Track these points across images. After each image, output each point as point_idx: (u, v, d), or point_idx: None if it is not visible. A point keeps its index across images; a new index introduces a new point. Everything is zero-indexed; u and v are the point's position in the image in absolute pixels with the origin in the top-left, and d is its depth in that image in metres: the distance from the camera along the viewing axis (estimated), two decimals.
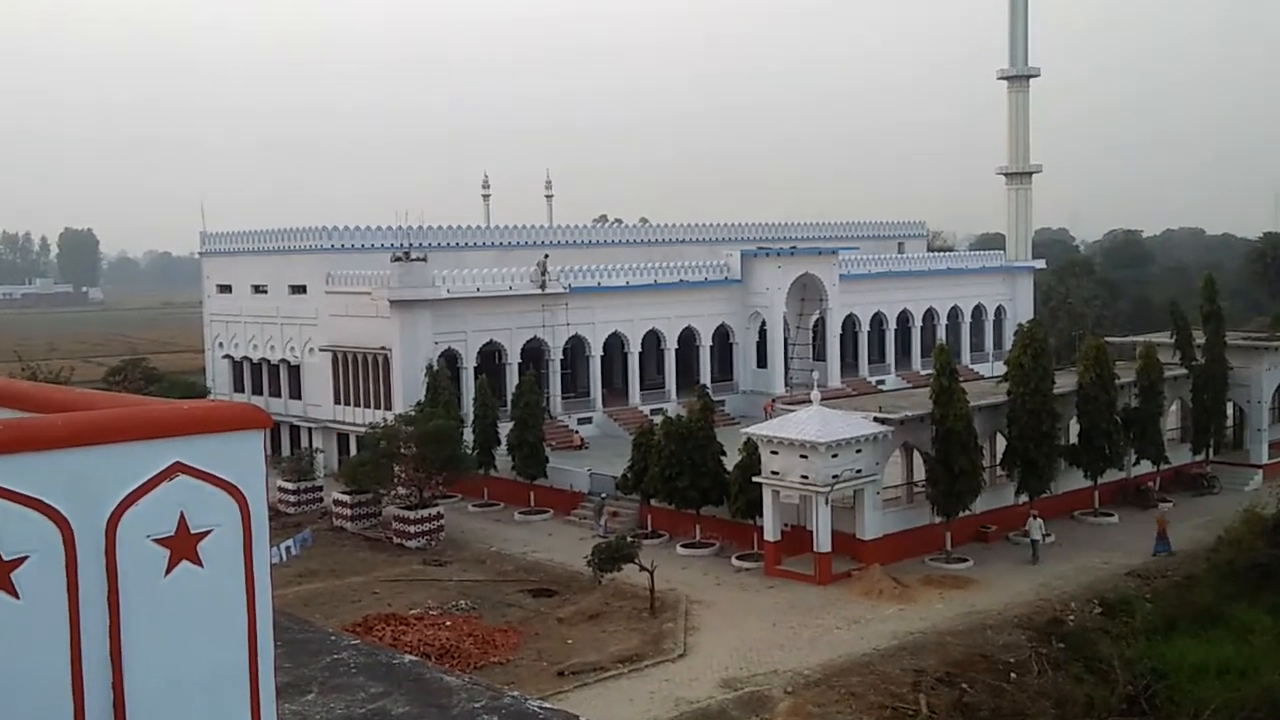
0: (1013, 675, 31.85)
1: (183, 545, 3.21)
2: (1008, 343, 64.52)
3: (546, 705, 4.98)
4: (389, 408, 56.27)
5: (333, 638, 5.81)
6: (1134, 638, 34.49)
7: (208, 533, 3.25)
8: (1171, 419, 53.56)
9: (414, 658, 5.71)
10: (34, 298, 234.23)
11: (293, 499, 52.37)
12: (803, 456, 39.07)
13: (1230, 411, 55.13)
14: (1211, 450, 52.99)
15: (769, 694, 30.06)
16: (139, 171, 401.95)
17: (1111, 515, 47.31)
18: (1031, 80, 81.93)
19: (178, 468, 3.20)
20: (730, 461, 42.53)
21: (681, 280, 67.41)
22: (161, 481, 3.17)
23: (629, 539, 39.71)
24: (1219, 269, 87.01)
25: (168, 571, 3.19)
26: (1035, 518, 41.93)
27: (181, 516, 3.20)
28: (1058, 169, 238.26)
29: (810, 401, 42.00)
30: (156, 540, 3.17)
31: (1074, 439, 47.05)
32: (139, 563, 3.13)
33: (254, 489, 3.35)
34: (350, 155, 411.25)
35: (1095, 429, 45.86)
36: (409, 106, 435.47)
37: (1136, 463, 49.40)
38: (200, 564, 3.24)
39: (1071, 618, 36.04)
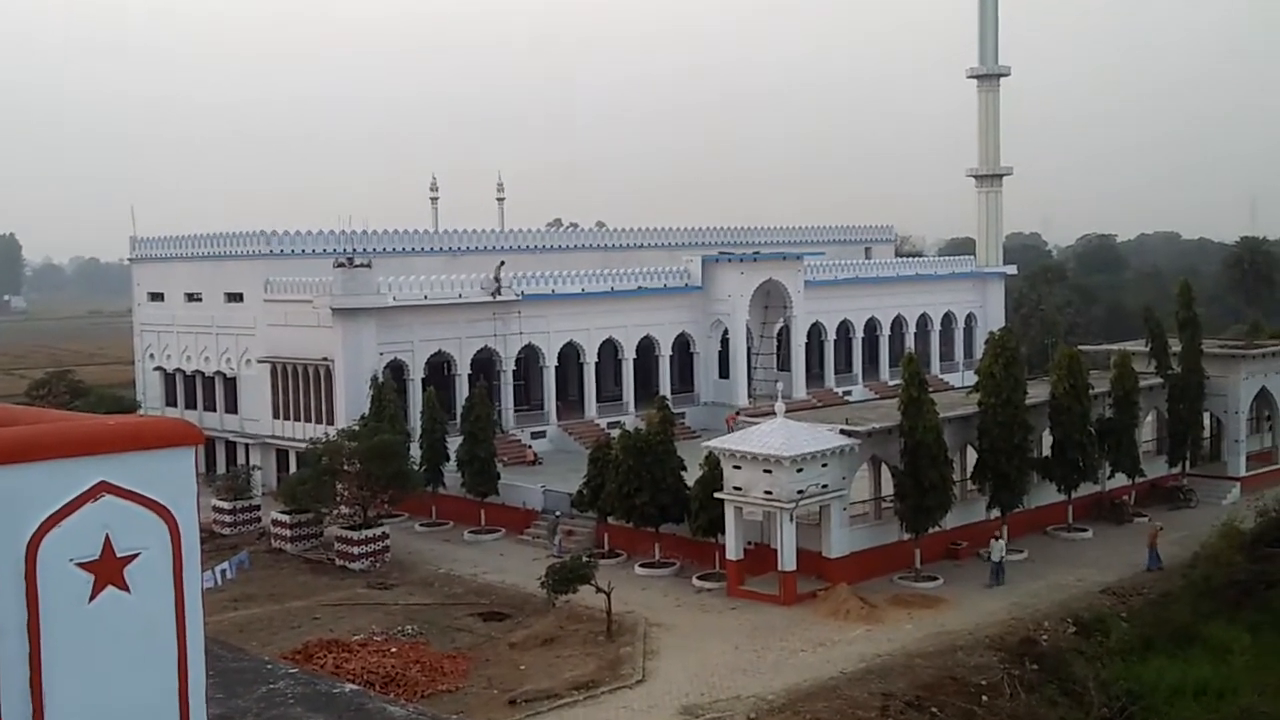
0: (984, 698, 32.05)
1: (108, 569, 3.18)
2: (978, 352, 65.10)
3: None
4: (331, 422, 55.90)
5: (269, 666, 5.76)
6: (1109, 658, 34.87)
7: (135, 556, 3.23)
8: (1147, 430, 54.20)
9: (356, 687, 5.67)
10: None
11: (228, 519, 51.89)
12: (766, 471, 39.19)
13: (1207, 422, 55.85)
14: (1188, 462, 53.66)
15: None
16: (65, 172, 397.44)
17: (1086, 530, 47.78)
18: (1002, 80, 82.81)
19: (103, 487, 3.17)
20: (691, 477, 42.59)
21: (640, 287, 67.50)
22: (85, 502, 3.14)
23: (585, 559, 39.64)
24: (1195, 274, 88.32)
25: (92, 598, 3.16)
26: (998, 539, 42.04)
27: (107, 539, 3.17)
28: (1029, 171, 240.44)
29: (774, 413, 42.17)
30: (80, 564, 3.14)
31: (1047, 451, 47.50)
32: (61, 588, 3.10)
33: (185, 509, 3.32)
34: (291, 155, 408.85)
35: (1069, 441, 46.33)
36: (352, 102, 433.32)
37: (1111, 476, 49.97)
38: (127, 589, 3.21)
39: (1045, 638, 36.34)
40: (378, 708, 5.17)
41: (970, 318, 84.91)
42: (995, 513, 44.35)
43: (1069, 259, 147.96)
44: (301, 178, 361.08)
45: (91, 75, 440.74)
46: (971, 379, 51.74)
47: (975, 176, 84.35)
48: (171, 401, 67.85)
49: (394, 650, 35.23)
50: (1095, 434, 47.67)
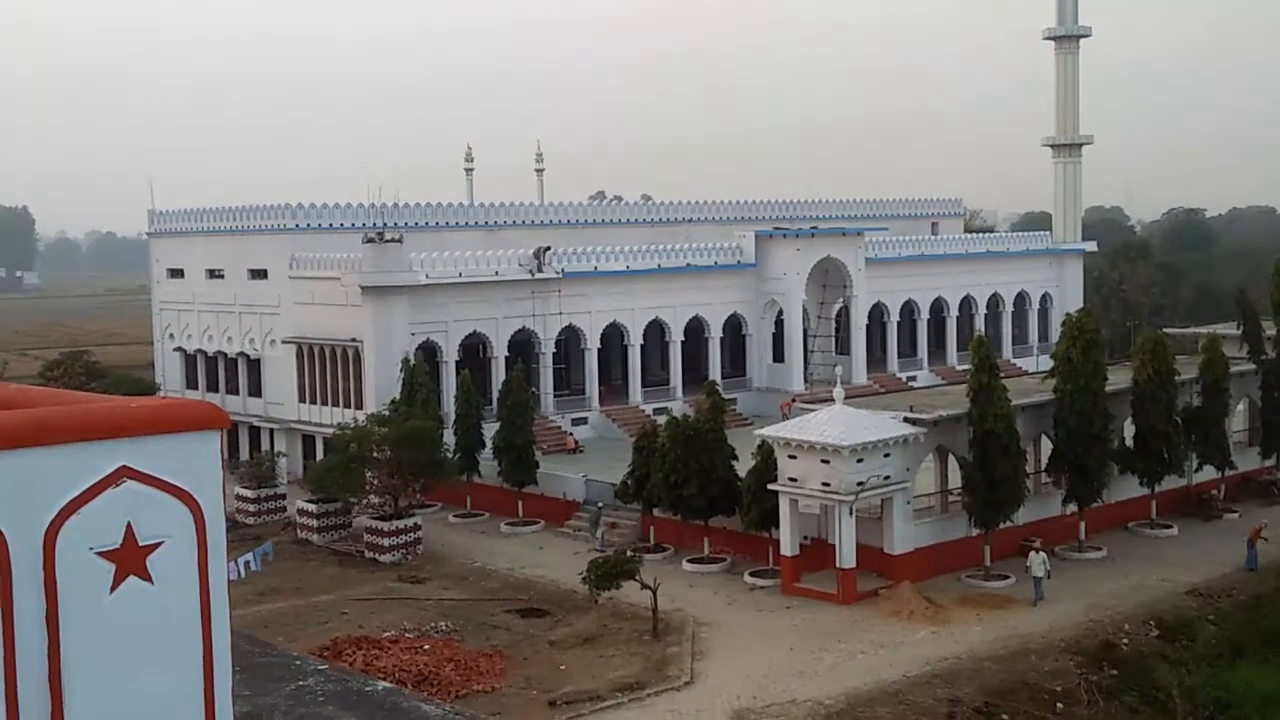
0: (1059, 705, 31.90)
1: (130, 559, 3.22)
2: (1054, 334, 64.48)
3: None
4: (360, 406, 56.29)
5: (298, 662, 5.82)
6: (1195, 663, 34.58)
7: (158, 545, 3.26)
8: (1238, 420, 53.57)
9: (389, 685, 5.73)
10: None
11: (252, 508, 52.42)
12: (824, 461, 39.08)
13: None
14: None
15: None
16: (80, 144, 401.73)
17: (1170, 527, 47.31)
18: (1082, 41, 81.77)
19: (124, 472, 3.20)
20: (743, 467, 42.54)
21: (688, 264, 67.37)
22: (106, 487, 3.18)
23: (629, 553, 39.74)
24: None
25: (113, 588, 3.20)
26: (1037, 551, 40.06)
27: (129, 527, 3.21)
28: (1111, 141, 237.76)
29: (833, 400, 42.01)
30: (101, 553, 3.17)
31: (1128, 442, 47.03)
32: (81, 578, 3.13)
33: (209, 496, 3.35)
34: (318, 128, 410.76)
35: (1152, 431, 45.82)
36: (382, 74, 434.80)
37: (1198, 468, 49.44)
38: (149, 580, 3.25)
39: (1125, 641, 36.08)
40: (412, 706, 5.21)
41: (1045, 298, 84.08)
42: (1071, 507, 44.01)
43: (1154, 235, 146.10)
44: (330, 159, 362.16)
45: (110, 49, 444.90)
46: (1046, 364, 51.32)
47: (1052, 146, 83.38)
48: (192, 384, 68.52)
49: (427, 648, 35.50)
50: (1181, 423, 47.13)
